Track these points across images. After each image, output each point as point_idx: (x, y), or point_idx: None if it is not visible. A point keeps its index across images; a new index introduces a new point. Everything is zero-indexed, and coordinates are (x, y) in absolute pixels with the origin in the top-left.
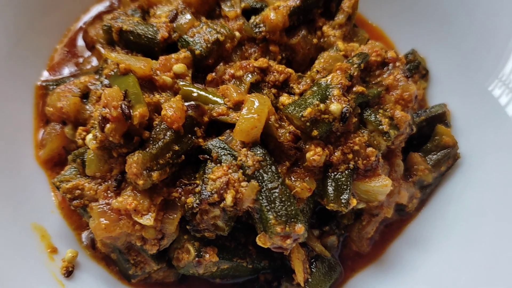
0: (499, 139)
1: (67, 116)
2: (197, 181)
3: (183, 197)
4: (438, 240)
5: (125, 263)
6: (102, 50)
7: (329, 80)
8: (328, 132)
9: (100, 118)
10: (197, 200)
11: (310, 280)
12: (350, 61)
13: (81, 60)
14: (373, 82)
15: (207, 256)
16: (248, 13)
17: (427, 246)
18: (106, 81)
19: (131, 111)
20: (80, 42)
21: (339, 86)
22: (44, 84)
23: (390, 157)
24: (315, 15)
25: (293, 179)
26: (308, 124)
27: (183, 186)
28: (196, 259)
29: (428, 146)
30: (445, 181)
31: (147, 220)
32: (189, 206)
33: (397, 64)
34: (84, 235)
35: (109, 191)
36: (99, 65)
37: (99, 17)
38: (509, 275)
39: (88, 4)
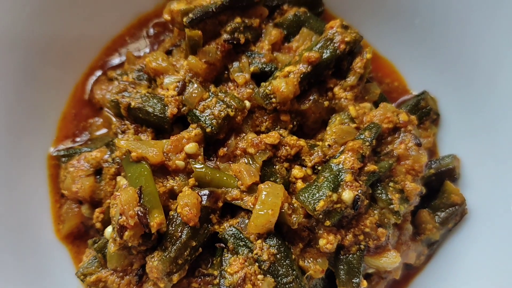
0: (508, 190)
1: (83, 198)
2: (215, 272)
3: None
4: None
5: None
6: (109, 115)
7: (341, 164)
8: (340, 219)
9: (117, 226)
10: None
11: None
12: (362, 136)
13: (90, 121)
14: (384, 152)
15: None
16: (257, 76)
17: None
18: (117, 159)
19: (148, 218)
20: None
21: (351, 170)
22: (55, 154)
23: (400, 223)
24: (326, 76)
25: (306, 260)
26: (321, 216)
27: (201, 277)
28: None
29: (436, 202)
30: (452, 235)
31: None
32: None
33: (409, 128)
34: None
35: (131, 285)
36: (109, 134)
37: (105, 73)
38: None
39: (94, 58)
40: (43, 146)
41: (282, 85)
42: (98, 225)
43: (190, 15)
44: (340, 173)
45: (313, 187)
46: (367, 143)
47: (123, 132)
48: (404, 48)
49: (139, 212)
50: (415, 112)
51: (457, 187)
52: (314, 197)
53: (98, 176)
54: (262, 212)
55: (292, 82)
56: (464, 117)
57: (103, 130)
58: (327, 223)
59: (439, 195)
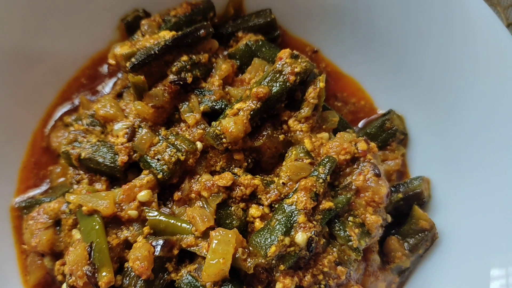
0: (477, 211)
1: (43, 251)
2: None
3: None
4: None
5: None
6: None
7: (293, 205)
8: (295, 262)
9: (68, 287)
10: None
11: None
12: (316, 173)
13: (50, 168)
14: (342, 185)
15: None
16: (209, 114)
17: None
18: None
19: (96, 276)
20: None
21: (304, 211)
22: (17, 206)
23: (366, 254)
24: (279, 109)
25: None
26: (274, 261)
27: None
28: None
29: (405, 228)
30: (424, 261)
31: None
32: None
33: (368, 157)
34: None
35: None
36: (67, 184)
37: (61, 119)
38: None
39: (50, 104)
40: (5, 197)
41: (231, 124)
42: (59, 277)
43: (133, 59)
44: (293, 215)
45: (266, 230)
46: (321, 180)
47: (78, 182)
48: (368, 65)
49: (87, 272)
50: (380, 134)
51: (428, 209)
52: (266, 242)
53: (58, 227)
54: (214, 262)
55: (242, 120)
56: (433, 135)
57: (63, 178)
58: (282, 267)
59: (408, 221)
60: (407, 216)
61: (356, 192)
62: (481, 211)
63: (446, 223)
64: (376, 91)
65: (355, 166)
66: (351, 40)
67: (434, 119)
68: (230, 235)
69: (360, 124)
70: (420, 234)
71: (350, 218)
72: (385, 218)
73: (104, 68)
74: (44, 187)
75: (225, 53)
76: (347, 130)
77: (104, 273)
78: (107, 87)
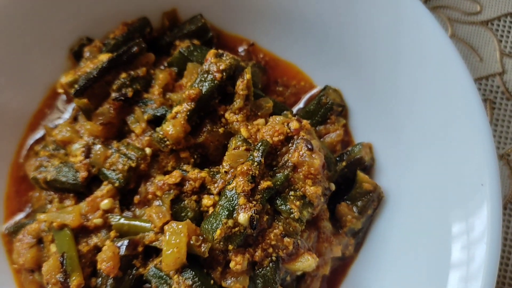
0: (419, 169)
1: (31, 268)
2: None
3: None
4: (375, 279)
5: None
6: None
7: (233, 189)
8: (243, 240)
9: None
10: None
11: None
12: (251, 157)
13: (30, 193)
14: (280, 164)
15: None
16: (154, 121)
17: (368, 286)
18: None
19: (68, 281)
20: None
21: (243, 193)
22: (6, 232)
23: (316, 222)
24: (214, 105)
25: (228, 281)
26: (222, 243)
27: None
28: None
29: (352, 193)
30: (375, 219)
31: None
32: None
33: (301, 134)
34: None
35: None
36: (43, 205)
37: (32, 148)
38: None
39: (22, 136)
40: None
41: (170, 128)
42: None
43: (76, 86)
44: (233, 198)
45: (212, 217)
46: (256, 164)
47: (50, 201)
48: (303, 48)
49: (60, 279)
50: (319, 109)
51: (373, 172)
52: (213, 227)
53: (41, 244)
54: (169, 252)
55: (179, 122)
56: (371, 103)
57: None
58: (230, 247)
59: (354, 186)
60: (354, 182)
61: (294, 168)
62: (423, 168)
63: (391, 183)
64: (314, 71)
65: (290, 145)
66: (283, 28)
67: (369, 89)
68: (180, 226)
69: (302, 103)
70: (366, 196)
71: (291, 193)
72: (328, 187)
73: (63, 96)
74: (27, 211)
75: (159, 68)
76: (284, 112)
77: (74, 278)
78: (67, 113)
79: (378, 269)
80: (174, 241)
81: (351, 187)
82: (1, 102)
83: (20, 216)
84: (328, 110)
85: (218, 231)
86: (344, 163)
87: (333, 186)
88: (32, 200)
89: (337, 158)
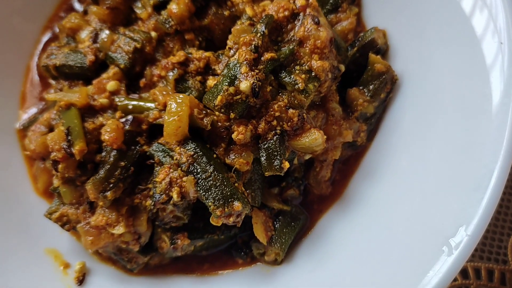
0: (436, 51)
1: (42, 154)
2: (150, 185)
3: (143, 201)
4: (388, 168)
5: (122, 261)
6: (53, 82)
7: (236, 59)
8: (246, 109)
9: (51, 162)
10: (152, 203)
11: (274, 236)
12: (255, 30)
13: (44, 93)
14: (285, 40)
15: (179, 241)
16: (159, 7)
17: (380, 175)
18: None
19: (72, 149)
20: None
21: (245, 62)
22: (22, 127)
23: (325, 103)
24: None
25: (232, 157)
26: (223, 110)
27: (141, 192)
28: (172, 246)
29: (364, 77)
30: (390, 105)
31: (119, 229)
32: (149, 209)
33: (308, 11)
34: None
35: (86, 212)
36: None
37: (44, 49)
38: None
39: (36, 39)
40: (11, 122)
41: (174, 7)
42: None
43: None
44: (235, 67)
45: (213, 87)
46: (259, 34)
47: (61, 90)
48: None
49: (64, 146)
50: None
51: (386, 58)
52: (214, 95)
53: None
54: (170, 120)
55: (184, 1)
56: None
57: None
58: (232, 115)
59: (366, 69)
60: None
61: (299, 43)
62: (441, 54)
63: (406, 69)
64: None
65: (295, 21)
66: None
67: None
68: (181, 96)
69: None
70: (378, 78)
71: (297, 67)
72: (336, 66)
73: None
74: (40, 109)
75: None
76: None
77: (77, 144)
78: None
79: (391, 157)
80: (175, 109)
81: (363, 73)
82: (19, 3)
83: (34, 112)
84: None
85: (219, 97)
86: (355, 48)
87: (342, 67)
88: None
89: (348, 47)
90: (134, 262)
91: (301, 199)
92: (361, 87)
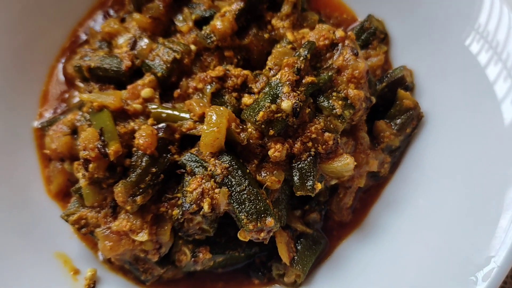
0: (461, 94)
1: (63, 154)
2: (179, 194)
3: (169, 210)
4: (410, 200)
5: (136, 272)
6: (81, 85)
7: (278, 79)
8: (284, 128)
9: (82, 160)
10: (180, 212)
11: (296, 257)
12: (297, 53)
13: (67, 95)
14: (324, 67)
15: (201, 255)
16: (200, 23)
17: (402, 207)
18: (87, 115)
19: (106, 149)
20: (62, 78)
21: (287, 83)
22: (40, 126)
23: (355, 132)
24: (262, 11)
25: (263, 174)
26: (263, 126)
27: (168, 201)
28: (192, 259)
29: (392, 111)
30: (413, 141)
31: (142, 236)
32: (175, 218)
33: (346, 42)
34: (100, 252)
35: (107, 217)
36: (80, 101)
37: (73, 51)
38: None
39: (64, 42)
40: (29, 120)
41: (218, 23)
42: (78, 175)
43: None
44: (278, 87)
45: (255, 103)
46: (302, 58)
47: (90, 92)
48: None
49: (98, 145)
50: (361, 34)
51: (412, 95)
52: (255, 111)
53: (75, 136)
54: (208, 130)
55: (228, 19)
56: (412, 34)
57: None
58: (271, 132)
59: (394, 104)
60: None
61: (337, 71)
62: (465, 94)
63: (431, 105)
64: (356, 4)
65: (334, 51)
66: None
67: (413, 22)
68: (222, 109)
69: None
70: (405, 114)
71: (334, 94)
72: (369, 97)
73: (109, 10)
74: (63, 109)
75: None
76: None
77: (112, 145)
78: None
79: (413, 191)
80: (215, 120)
81: (390, 107)
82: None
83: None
84: (370, 35)
85: (261, 113)
86: (384, 83)
87: (373, 99)
88: (68, 99)
89: (376, 82)
90: (150, 273)
91: (322, 224)
92: (388, 120)
